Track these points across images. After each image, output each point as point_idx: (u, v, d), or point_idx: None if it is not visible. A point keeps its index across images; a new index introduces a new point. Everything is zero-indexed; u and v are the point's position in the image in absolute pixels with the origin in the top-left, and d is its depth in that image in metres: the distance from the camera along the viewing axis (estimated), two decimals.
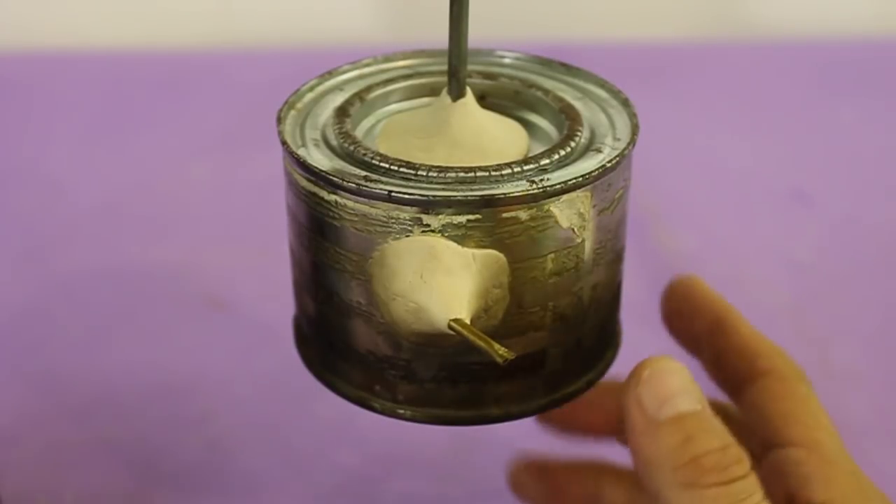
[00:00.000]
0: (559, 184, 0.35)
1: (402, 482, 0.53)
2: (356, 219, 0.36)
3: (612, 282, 0.40)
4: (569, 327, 0.38)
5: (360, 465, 0.54)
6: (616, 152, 0.37)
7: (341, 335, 0.38)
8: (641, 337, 0.62)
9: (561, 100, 0.40)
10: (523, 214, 0.35)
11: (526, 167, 0.36)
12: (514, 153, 0.38)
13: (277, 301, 0.46)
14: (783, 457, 0.38)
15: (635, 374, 0.36)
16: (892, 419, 0.58)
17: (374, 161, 0.36)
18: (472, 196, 0.35)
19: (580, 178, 0.35)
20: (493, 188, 0.35)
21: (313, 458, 0.55)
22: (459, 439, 0.55)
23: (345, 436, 0.55)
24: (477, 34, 0.43)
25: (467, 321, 0.35)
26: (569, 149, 0.37)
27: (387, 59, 0.43)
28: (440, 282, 0.35)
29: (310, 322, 0.40)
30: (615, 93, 0.40)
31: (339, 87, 0.41)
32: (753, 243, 0.72)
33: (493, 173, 0.35)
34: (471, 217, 0.35)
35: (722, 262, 0.69)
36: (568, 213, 0.36)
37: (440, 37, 0.38)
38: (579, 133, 0.38)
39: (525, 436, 0.48)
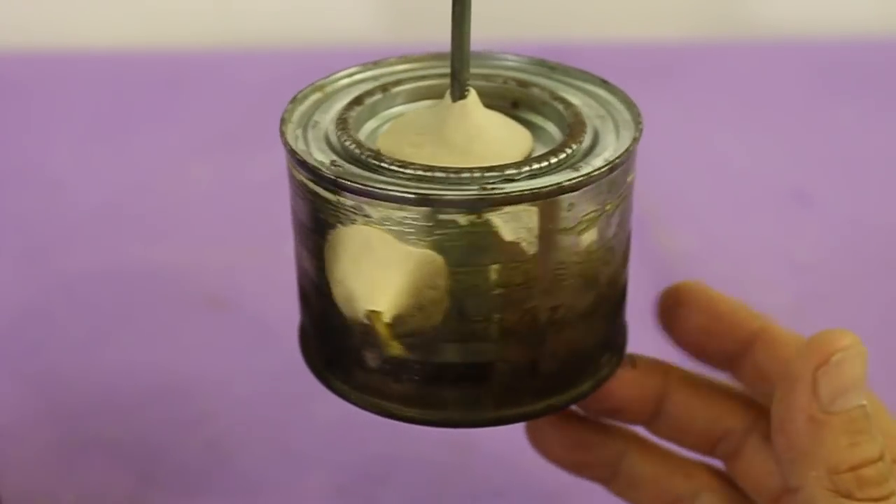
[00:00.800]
0: (502, 195, 0.35)
1: (402, 482, 0.53)
2: (317, 202, 0.37)
3: (591, 311, 0.38)
4: (520, 345, 0.37)
5: (360, 465, 0.54)
6: (580, 174, 0.36)
7: (324, 318, 0.39)
8: (642, 337, 0.62)
9: (570, 106, 0.40)
10: (462, 220, 0.35)
11: (489, 174, 0.35)
12: (513, 156, 0.38)
13: (278, 301, 0.46)
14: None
15: (819, 348, 0.34)
16: None
17: (349, 149, 0.37)
18: (410, 194, 0.35)
19: (527, 193, 0.35)
20: (437, 189, 0.35)
21: (313, 458, 0.55)
22: (459, 440, 0.55)
23: (345, 436, 0.55)
24: (477, 34, 0.43)
25: (386, 314, 0.35)
26: (548, 161, 0.36)
27: (395, 62, 0.43)
28: (370, 272, 0.35)
29: (308, 317, 0.40)
30: (629, 104, 0.40)
31: (343, 89, 0.41)
32: (753, 243, 0.71)
33: (450, 175, 0.35)
34: (408, 214, 0.35)
35: (722, 262, 0.69)
36: (513, 227, 0.35)
37: (441, 37, 0.38)
38: (570, 147, 0.37)
39: (525, 438, 0.47)
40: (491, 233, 0.35)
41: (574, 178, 0.36)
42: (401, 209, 0.35)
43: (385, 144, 0.38)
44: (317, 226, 0.37)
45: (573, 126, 0.38)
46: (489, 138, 0.38)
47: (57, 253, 0.68)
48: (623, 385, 0.42)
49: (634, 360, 0.43)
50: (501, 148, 0.38)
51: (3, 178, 0.76)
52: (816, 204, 0.76)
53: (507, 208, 0.35)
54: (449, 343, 0.37)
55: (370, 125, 0.40)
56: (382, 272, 0.36)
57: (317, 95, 0.41)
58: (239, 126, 0.81)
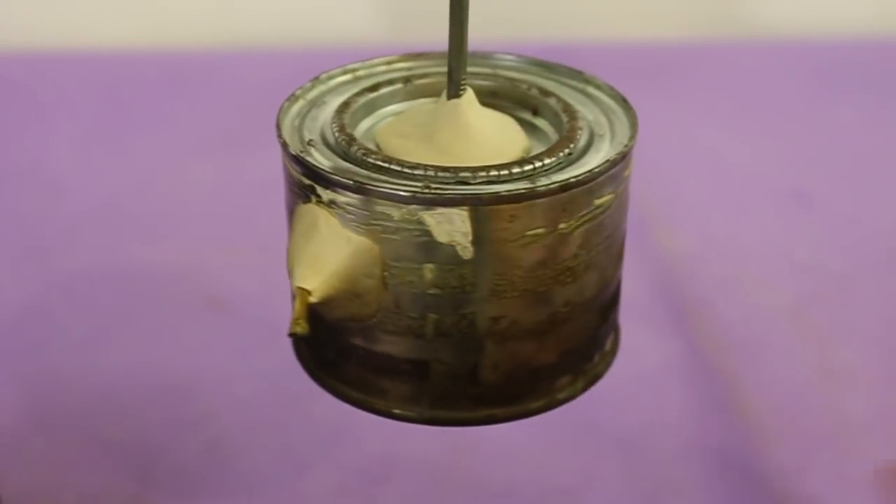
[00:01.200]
0: (433, 195, 0.35)
1: (401, 482, 0.53)
2: (289, 179, 0.38)
3: (543, 328, 0.38)
4: (457, 349, 0.37)
5: (360, 465, 0.54)
6: (525, 188, 0.35)
7: None
8: (641, 337, 0.62)
9: (568, 108, 0.40)
10: (395, 213, 0.35)
11: (442, 173, 0.35)
12: (497, 158, 0.38)
13: (278, 301, 0.46)
14: None
15: None
16: (892, 419, 0.58)
17: (335, 136, 0.37)
18: (349, 180, 0.35)
19: (459, 197, 0.35)
20: (380, 180, 0.35)
21: (313, 458, 0.55)
22: (459, 440, 0.55)
23: (345, 436, 0.55)
24: (477, 34, 0.43)
25: (315, 294, 0.36)
26: (509, 171, 0.36)
27: (391, 61, 0.43)
28: (311, 250, 0.36)
29: None
30: (632, 121, 0.40)
31: (339, 87, 0.41)
32: (753, 243, 0.71)
33: (405, 169, 0.36)
34: (350, 201, 0.36)
35: (722, 262, 0.69)
36: (447, 229, 0.35)
37: (440, 37, 0.38)
38: (539, 161, 0.37)
39: (525, 438, 0.47)
40: (424, 231, 0.35)
41: (516, 191, 0.35)
42: (344, 195, 0.36)
43: (382, 135, 0.39)
44: (288, 202, 0.39)
45: (560, 141, 0.38)
46: (477, 138, 0.38)
47: (57, 253, 0.68)
48: None
49: None
50: (488, 148, 0.38)
51: (3, 178, 0.76)
52: (816, 204, 0.76)
53: (440, 209, 0.35)
54: (387, 334, 0.37)
55: (367, 122, 0.41)
56: (323, 252, 0.36)
57: (319, 89, 0.41)
58: (239, 126, 0.81)
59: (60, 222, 0.71)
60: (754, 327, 0.64)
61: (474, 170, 0.36)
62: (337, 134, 0.38)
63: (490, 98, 0.40)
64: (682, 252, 0.70)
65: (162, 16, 0.96)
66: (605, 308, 0.40)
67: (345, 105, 0.40)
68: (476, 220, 0.35)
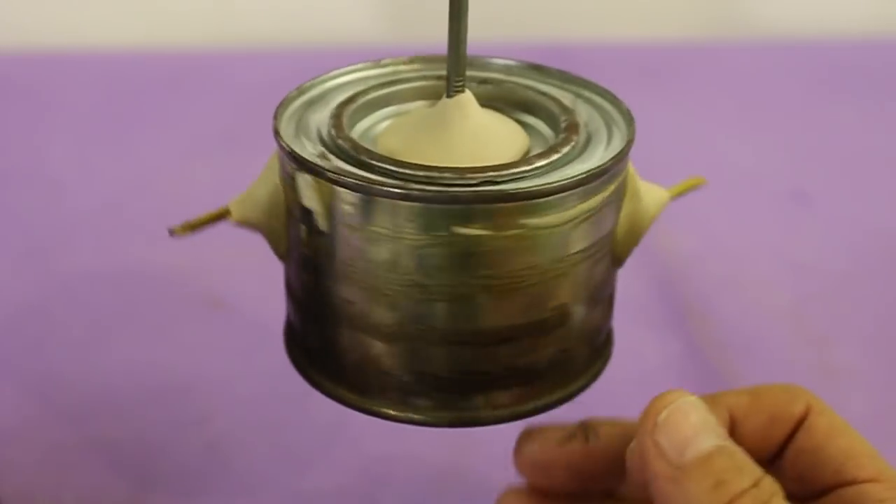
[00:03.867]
0: (301, 157, 0.37)
1: (401, 482, 0.53)
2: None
3: (393, 334, 0.37)
4: (311, 318, 0.39)
5: (359, 466, 0.54)
6: (367, 178, 0.36)
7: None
8: (642, 337, 0.62)
9: (565, 109, 0.40)
10: (288, 167, 0.38)
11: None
12: (508, 155, 0.38)
13: (278, 301, 0.46)
14: (860, 494, 0.36)
15: (649, 416, 0.34)
16: (892, 419, 0.58)
17: (332, 135, 0.38)
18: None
19: (307, 161, 0.36)
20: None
21: (313, 459, 0.55)
22: (459, 439, 0.55)
23: (345, 436, 0.55)
24: (477, 34, 0.43)
25: (233, 214, 0.42)
26: (519, 168, 0.36)
27: (388, 62, 0.43)
28: (257, 184, 0.41)
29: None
30: (623, 110, 0.40)
31: (338, 88, 0.41)
32: (753, 243, 0.72)
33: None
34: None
35: (722, 262, 0.69)
36: (308, 193, 0.37)
37: (440, 37, 0.38)
38: (554, 153, 0.37)
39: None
40: (296, 189, 0.37)
41: (354, 180, 0.36)
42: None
43: (382, 135, 0.39)
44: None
45: (558, 142, 0.38)
46: (478, 138, 0.38)
47: (57, 253, 0.68)
48: (578, 460, 0.42)
49: (588, 432, 0.41)
50: (489, 148, 0.38)
51: (3, 178, 0.76)
52: (816, 204, 0.76)
53: (302, 172, 0.37)
54: (291, 276, 0.40)
55: (366, 122, 0.41)
56: (257, 186, 0.40)
57: (315, 89, 0.41)
58: (239, 126, 0.81)
59: (60, 222, 0.71)
60: (754, 327, 0.64)
61: (474, 170, 0.36)
62: (334, 133, 0.38)
63: (485, 102, 0.40)
64: (682, 252, 0.70)
65: (162, 16, 0.96)
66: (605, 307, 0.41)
67: (342, 105, 0.40)
68: (321, 195, 0.37)
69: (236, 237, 0.70)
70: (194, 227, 0.40)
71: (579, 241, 0.37)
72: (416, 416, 0.39)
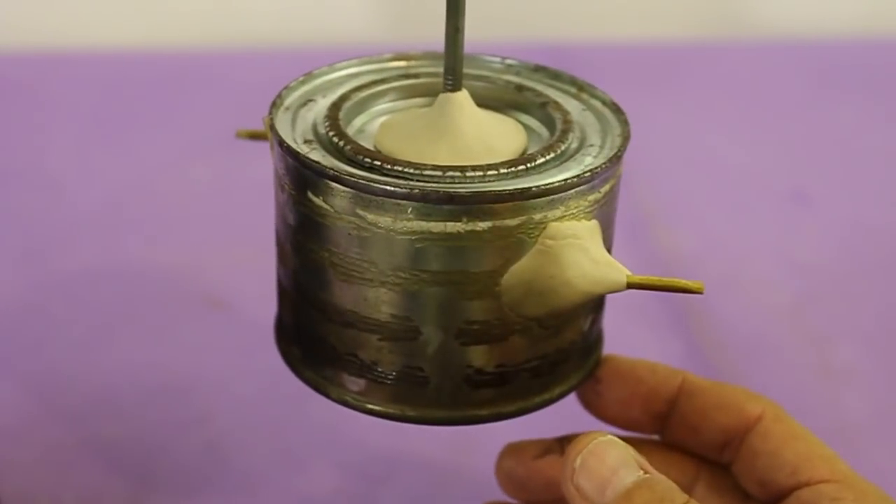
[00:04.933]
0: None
1: (401, 482, 0.53)
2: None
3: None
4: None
5: (360, 465, 0.54)
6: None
7: None
8: (642, 337, 0.62)
9: (560, 109, 0.40)
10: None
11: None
12: (506, 153, 0.38)
13: (276, 303, 0.46)
14: (815, 495, 0.37)
15: (567, 462, 0.35)
16: (892, 419, 0.58)
17: (328, 133, 0.38)
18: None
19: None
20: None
21: (313, 458, 0.55)
22: (459, 440, 0.55)
23: (345, 436, 0.55)
24: (476, 34, 0.43)
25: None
26: (515, 167, 0.36)
27: (385, 59, 0.43)
28: None
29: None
30: (619, 115, 0.40)
31: (335, 83, 0.41)
32: (753, 243, 0.71)
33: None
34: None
35: (722, 262, 0.69)
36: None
37: (439, 37, 0.38)
38: (551, 152, 0.37)
39: (525, 437, 0.47)
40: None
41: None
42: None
43: (378, 133, 0.39)
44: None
45: (553, 142, 0.38)
46: (477, 136, 0.38)
47: (57, 253, 0.68)
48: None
49: (565, 446, 0.41)
50: (488, 146, 0.38)
51: (3, 178, 0.76)
52: (816, 204, 0.76)
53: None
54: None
55: (360, 119, 0.41)
56: None
57: (310, 85, 0.41)
58: (239, 126, 0.81)
59: (60, 222, 0.71)
60: (754, 327, 0.64)
61: (470, 168, 0.36)
62: (329, 131, 0.38)
63: (482, 100, 0.40)
64: (682, 252, 0.70)
65: (162, 16, 0.96)
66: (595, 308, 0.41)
67: (338, 102, 0.40)
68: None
69: (236, 237, 0.70)
70: (257, 136, 0.41)
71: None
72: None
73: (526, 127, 0.41)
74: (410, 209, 0.35)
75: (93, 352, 0.60)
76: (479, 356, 0.38)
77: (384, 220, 0.36)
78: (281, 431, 0.56)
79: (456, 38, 0.38)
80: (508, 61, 0.43)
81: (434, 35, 0.44)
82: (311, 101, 0.40)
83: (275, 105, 0.40)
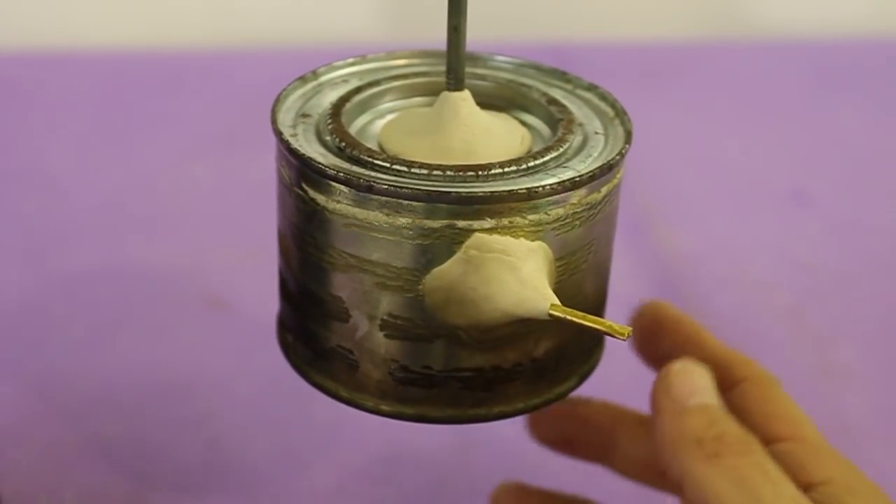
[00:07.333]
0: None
1: (402, 482, 0.53)
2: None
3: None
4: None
5: (360, 465, 0.54)
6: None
7: None
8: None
9: (563, 109, 0.40)
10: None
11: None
12: (510, 153, 0.38)
13: (277, 301, 0.46)
14: (774, 451, 0.39)
15: (665, 370, 0.40)
16: (891, 419, 0.58)
17: (330, 132, 0.38)
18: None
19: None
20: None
21: (313, 458, 0.55)
22: (460, 438, 0.55)
23: (345, 435, 0.55)
24: (477, 33, 0.43)
25: None
26: (517, 166, 0.36)
27: (386, 58, 0.43)
28: None
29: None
30: (621, 115, 0.40)
31: (337, 82, 0.41)
32: (753, 243, 0.72)
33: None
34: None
35: (722, 262, 0.69)
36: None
37: (440, 37, 0.38)
38: (552, 152, 0.37)
39: (525, 437, 0.47)
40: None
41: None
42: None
43: (382, 133, 0.39)
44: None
45: (555, 142, 0.38)
46: (479, 136, 0.38)
47: (57, 253, 0.68)
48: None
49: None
50: (490, 146, 0.38)
51: (3, 178, 0.76)
52: (816, 204, 0.76)
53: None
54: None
55: (363, 119, 0.41)
56: None
57: (311, 84, 0.41)
58: (239, 126, 0.81)
59: (60, 222, 0.71)
60: (754, 327, 0.64)
61: (472, 167, 0.36)
62: (332, 129, 0.38)
63: (484, 99, 0.40)
64: (682, 252, 0.70)
65: (162, 16, 0.96)
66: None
67: (341, 101, 0.40)
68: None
69: (236, 237, 0.70)
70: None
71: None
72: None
73: (528, 126, 0.41)
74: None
75: (93, 352, 0.60)
76: (403, 352, 0.38)
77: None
78: (281, 431, 0.56)
79: (456, 38, 0.37)
80: (510, 59, 0.43)
81: (435, 35, 0.44)
82: (313, 99, 0.40)
83: (276, 105, 0.39)
